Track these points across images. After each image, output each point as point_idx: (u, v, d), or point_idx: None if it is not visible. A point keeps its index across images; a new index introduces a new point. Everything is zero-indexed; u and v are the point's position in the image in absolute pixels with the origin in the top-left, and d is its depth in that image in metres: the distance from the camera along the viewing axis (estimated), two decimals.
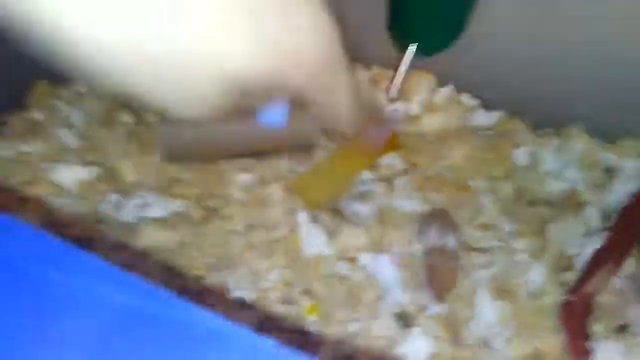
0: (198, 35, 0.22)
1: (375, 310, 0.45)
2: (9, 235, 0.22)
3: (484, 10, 0.47)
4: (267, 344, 0.21)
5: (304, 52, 0.25)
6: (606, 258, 0.44)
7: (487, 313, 0.46)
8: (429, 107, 0.57)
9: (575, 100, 0.54)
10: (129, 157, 0.51)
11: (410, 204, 0.51)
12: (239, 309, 0.45)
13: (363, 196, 0.51)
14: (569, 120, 0.55)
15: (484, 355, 0.44)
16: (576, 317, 0.44)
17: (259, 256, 0.47)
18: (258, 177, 0.52)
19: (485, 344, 0.44)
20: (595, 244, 0.47)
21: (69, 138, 0.53)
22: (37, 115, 0.54)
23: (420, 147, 0.55)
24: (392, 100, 0.56)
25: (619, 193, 0.52)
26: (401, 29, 0.49)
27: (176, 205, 0.49)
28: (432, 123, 0.57)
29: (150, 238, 0.47)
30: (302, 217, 0.49)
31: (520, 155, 0.54)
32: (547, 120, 0.56)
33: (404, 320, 0.45)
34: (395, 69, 0.50)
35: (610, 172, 0.53)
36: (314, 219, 0.49)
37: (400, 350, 0.44)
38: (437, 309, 0.46)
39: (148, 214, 0.48)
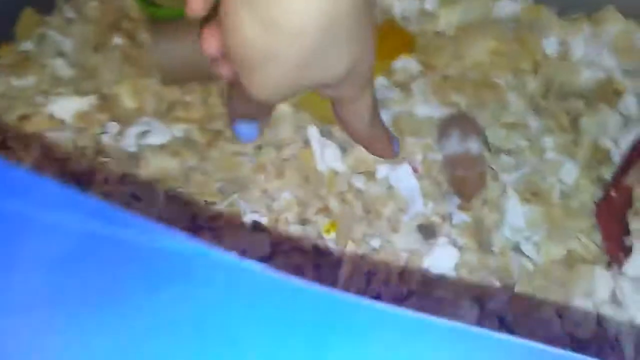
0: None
1: (397, 224, 0.43)
2: None
3: None
4: (250, 266, 0.19)
5: (363, 68, 0.29)
6: None
7: (516, 217, 0.43)
8: (446, 1, 0.52)
9: None
10: (126, 82, 0.48)
11: (428, 109, 0.47)
12: (253, 233, 0.43)
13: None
14: (600, 2, 0.50)
15: (513, 261, 0.42)
16: (614, 213, 0.41)
17: (271, 176, 0.45)
18: None
19: (514, 249, 0.42)
20: (635, 133, 0.43)
21: (61, 67, 0.50)
22: (26, 46, 0.51)
23: (438, 46, 0.51)
24: None
25: None
26: None
27: (179, 130, 0.47)
28: (449, 18, 0.52)
29: (155, 166, 0.45)
30: (313, 132, 0.46)
31: (549, 45, 0.49)
32: (577, 3, 0.50)
33: (428, 231, 0.43)
34: None
35: None
36: (326, 134, 0.46)
37: (425, 262, 0.42)
38: (462, 216, 0.43)
39: (150, 141, 0.46)
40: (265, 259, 0.42)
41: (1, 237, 0.20)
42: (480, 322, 0.40)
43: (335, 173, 0.44)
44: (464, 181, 0.43)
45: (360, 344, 0.18)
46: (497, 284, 0.41)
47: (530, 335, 0.39)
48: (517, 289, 0.41)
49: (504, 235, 0.42)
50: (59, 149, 0.46)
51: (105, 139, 0.47)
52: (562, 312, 0.40)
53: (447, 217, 0.43)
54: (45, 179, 0.21)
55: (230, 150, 0.46)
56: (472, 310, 0.40)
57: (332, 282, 0.41)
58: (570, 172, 0.44)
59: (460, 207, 0.43)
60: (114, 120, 0.47)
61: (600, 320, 0.39)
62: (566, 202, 0.43)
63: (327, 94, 0.34)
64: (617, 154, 0.44)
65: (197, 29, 0.46)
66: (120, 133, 0.47)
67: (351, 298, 0.20)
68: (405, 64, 0.50)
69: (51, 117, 0.47)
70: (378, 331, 0.19)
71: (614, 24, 0.49)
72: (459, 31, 0.51)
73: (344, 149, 0.45)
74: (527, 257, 0.42)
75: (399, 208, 0.43)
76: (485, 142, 0.45)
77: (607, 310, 0.39)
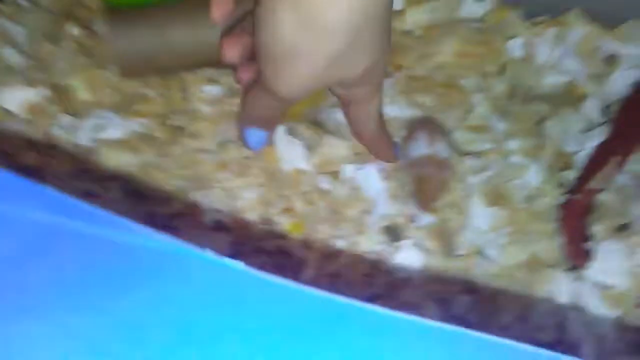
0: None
1: (362, 225, 0.42)
2: None
3: None
4: (228, 264, 0.18)
5: (379, 69, 0.31)
6: (610, 152, 0.41)
7: (481, 220, 0.43)
8: (413, 0, 0.52)
9: None
10: (81, 74, 0.46)
11: (395, 109, 0.46)
12: (214, 233, 0.41)
13: None
14: (565, 5, 0.50)
15: (478, 264, 0.41)
16: (576, 217, 0.41)
17: (233, 175, 0.43)
18: (226, 88, 0.47)
19: (478, 253, 0.42)
20: (597, 139, 0.44)
21: (12, 57, 0.48)
22: None
23: (405, 46, 0.50)
24: None
25: (620, 83, 0.48)
26: None
27: (137, 124, 0.45)
28: (417, 17, 0.51)
29: (111, 162, 0.43)
30: (278, 130, 0.44)
31: (514, 48, 0.49)
32: (542, 7, 0.51)
33: (393, 233, 0.42)
34: None
35: (611, 60, 0.49)
36: (291, 132, 0.45)
37: (389, 264, 0.41)
38: (427, 219, 0.42)
39: (106, 135, 0.44)
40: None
41: None
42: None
43: (300, 172, 0.43)
44: (428, 184, 0.43)
45: (348, 342, 0.17)
46: (461, 287, 0.41)
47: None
48: (480, 293, 0.40)
49: (468, 238, 0.42)
50: (8, 141, 0.44)
51: (58, 132, 0.44)
52: (524, 314, 0.40)
53: (412, 219, 0.43)
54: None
55: (192, 147, 0.44)
56: (435, 313, 0.40)
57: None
58: (534, 176, 0.44)
59: (421, 212, 0.43)
60: (67, 113, 0.45)
61: (561, 323, 0.39)
62: (530, 205, 0.43)
63: (341, 93, 0.35)
64: (581, 158, 0.44)
65: (156, 19, 0.45)
66: (74, 126, 0.45)
67: (331, 295, 0.19)
68: None
69: (1, 108, 0.45)
70: (354, 328, 0.18)
71: (579, 28, 0.49)
72: (426, 31, 0.51)
73: (309, 148, 0.44)
74: (491, 260, 0.41)
75: (365, 209, 0.43)
76: (451, 145, 0.45)
77: (569, 314, 0.39)
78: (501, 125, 0.46)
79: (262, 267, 0.40)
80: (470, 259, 0.41)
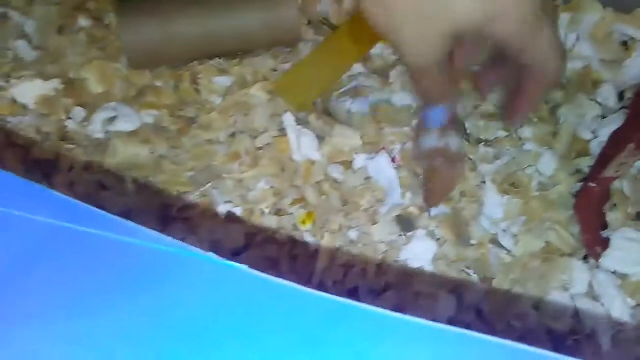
0: None
1: (375, 215, 0.42)
2: None
3: None
4: (234, 266, 0.17)
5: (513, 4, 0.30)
6: (626, 139, 0.40)
7: (495, 209, 0.43)
8: None
9: None
10: (92, 66, 0.46)
11: (407, 97, 0.46)
12: (227, 224, 0.41)
13: (355, 92, 0.46)
14: None
15: (491, 254, 0.41)
16: (592, 205, 0.41)
17: (245, 166, 0.43)
18: (237, 79, 0.47)
19: (492, 242, 0.41)
20: (613, 125, 0.43)
21: (24, 50, 0.48)
22: None
23: None
24: None
25: (636, 69, 0.47)
26: None
27: (149, 116, 0.45)
28: None
29: (123, 154, 0.43)
30: (289, 120, 0.44)
31: None
32: None
33: (406, 223, 0.42)
34: None
35: (626, 45, 0.48)
36: (302, 122, 0.45)
37: (403, 255, 0.41)
38: (441, 208, 0.42)
39: (118, 127, 0.44)
40: (240, 250, 0.41)
41: None
42: (457, 315, 0.39)
43: (312, 163, 0.43)
44: (435, 180, 0.41)
45: (352, 343, 0.17)
46: (475, 276, 0.40)
47: (507, 328, 0.39)
48: (494, 282, 0.40)
49: (482, 227, 0.42)
50: (21, 135, 0.44)
51: (71, 125, 0.45)
52: (539, 305, 0.39)
53: (425, 209, 0.42)
54: (5, 173, 0.19)
55: (203, 138, 0.44)
56: (449, 303, 0.39)
57: (309, 275, 0.40)
58: (548, 164, 0.43)
59: (428, 208, 0.42)
60: (79, 106, 0.45)
61: (577, 313, 0.39)
62: (544, 193, 0.43)
63: (499, 37, 0.33)
64: (596, 146, 0.43)
65: (167, 11, 0.44)
66: (87, 119, 0.45)
67: (334, 297, 0.19)
68: (384, 51, 0.49)
69: (13, 102, 0.45)
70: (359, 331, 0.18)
71: (594, 13, 0.48)
72: None
73: (321, 138, 0.44)
74: (505, 249, 0.41)
75: (377, 199, 0.42)
76: (465, 132, 0.44)
77: (584, 304, 0.39)
78: None
79: (275, 258, 0.40)
80: (484, 248, 0.41)
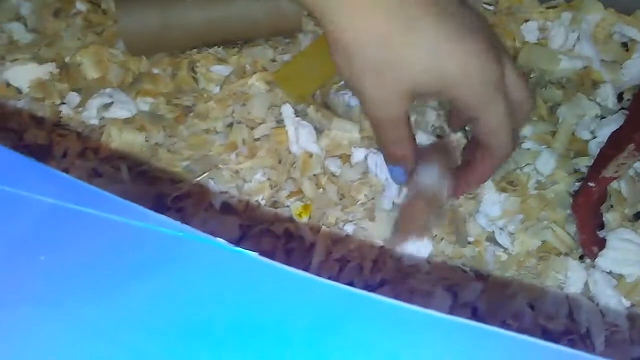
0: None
1: (372, 210, 0.42)
2: None
3: None
4: (241, 252, 0.17)
5: (470, 71, 0.31)
6: (625, 140, 0.40)
7: (492, 207, 0.42)
8: None
9: None
10: (88, 51, 0.45)
11: None
12: (222, 215, 0.41)
13: None
14: None
15: (488, 251, 0.41)
16: (589, 205, 0.41)
17: (242, 157, 0.43)
18: (236, 69, 0.46)
19: (489, 240, 0.41)
20: (612, 125, 0.43)
21: (19, 32, 0.47)
22: None
23: None
24: None
25: (636, 69, 0.47)
26: None
27: (145, 103, 0.44)
28: None
29: (118, 141, 0.42)
30: (287, 111, 0.44)
31: (529, 32, 0.48)
32: None
33: None
34: None
35: (626, 46, 0.48)
36: (301, 114, 0.44)
37: (399, 250, 0.40)
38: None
39: (113, 114, 0.43)
40: (234, 242, 0.40)
41: None
42: (453, 313, 0.39)
43: (310, 155, 0.43)
44: (406, 218, 0.40)
45: (358, 332, 0.17)
46: (471, 274, 0.40)
47: (502, 326, 0.39)
48: (490, 280, 0.40)
49: (479, 224, 0.42)
50: (14, 119, 0.43)
51: (65, 110, 0.44)
52: (534, 303, 0.39)
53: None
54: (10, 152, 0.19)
55: (200, 128, 0.44)
56: (445, 300, 0.39)
57: (304, 269, 0.39)
58: (547, 162, 0.43)
59: (396, 246, 0.40)
60: (74, 91, 0.45)
61: (572, 312, 0.39)
62: (542, 192, 0.42)
63: (455, 105, 0.34)
64: (594, 146, 0.43)
65: None
66: (81, 104, 0.44)
67: (342, 285, 0.18)
68: None
69: (7, 85, 0.44)
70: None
71: (594, 13, 0.48)
72: None
73: (319, 131, 0.43)
74: (502, 247, 0.41)
75: (374, 194, 0.42)
76: (465, 130, 0.44)
77: (580, 303, 0.39)
78: None
79: (270, 250, 0.40)
80: (480, 246, 0.41)
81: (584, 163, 0.43)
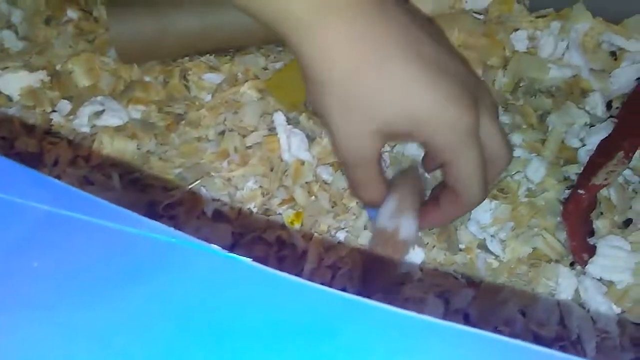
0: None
1: (363, 217, 0.42)
2: None
3: None
4: (236, 259, 0.17)
5: (441, 116, 0.30)
6: (614, 148, 0.40)
7: (483, 214, 0.43)
8: None
9: None
10: (79, 59, 0.45)
11: None
12: (215, 223, 0.41)
13: None
14: None
15: (479, 258, 0.41)
16: (579, 212, 0.41)
17: (234, 164, 0.43)
18: (227, 77, 0.46)
19: (480, 247, 0.41)
20: (601, 134, 0.43)
21: (9, 40, 0.47)
22: None
23: None
24: None
25: (624, 78, 0.47)
26: None
27: (136, 111, 0.44)
28: (420, 7, 0.51)
29: (109, 149, 0.42)
30: (280, 119, 0.44)
31: (518, 40, 0.49)
32: (547, 0, 0.50)
33: None
34: None
35: (615, 55, 0.49)
36: (293, 122, 0.44)
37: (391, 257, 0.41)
38: None
39: (105, 122, 0.43)
40: (227, 249, 0.40)
41: None
42: (445, 319, 0.39)
43: (302, 163, 0.43)
44: (371, 261, 0.38)
45: (354, 338, 0.17)
46: (463, 280, 0.40)
47: (495, 332, 0.39)
48: (482, 286, 0.40)
49: (470, 232, 0.42)
50: (5, 127, 0.43)
51: (56, 118, 0.44)
52: (526, 310, 0.39)
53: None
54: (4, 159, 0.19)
55: (192, 135, 0.44)
56: (437, 307, 0.39)
57: (296, 276, 0.39)
58: (537, 170, 0.43)
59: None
60: (65, 99, 0.45)
61: (563, 319, 0.39)
62: (532, 200, 0.43)
63: (429, 149, 0.34)
64: (584, 154, 0.44)
65: (157, 5, 0.44)
66: (73, 112, 0.44)
67: (337, 291, 0.18)
68: None
69: None
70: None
71: (583, 22, 0.49)
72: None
73: (311, 138, 0.44)
74: (493, 254, 0.41)
75: None
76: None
77: (571, 310, 0.39)
78: (504, 119, 0.46)
79: (262, 258, 0.40)
80: (472, 253, 0.41)
81: (573, 171, 0.43)
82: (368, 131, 0.31)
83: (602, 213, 0.42)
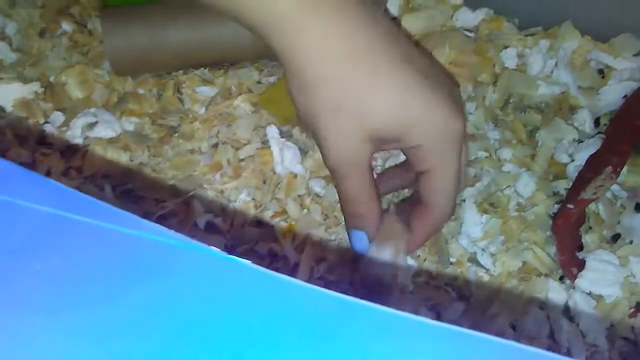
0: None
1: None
2: None
3: None
4: (236, 261, 0.17)
5: (433, 120, 0.30)
6: (602, 163, 0.41)
7: (474, 228, 0.43)
8: (409, 7, 0.52)
9: None
10: (73, 71, 0.45)
11: None
12: (207, 234, 0.41)
13: None
14: (558, 18, 0.51)
15: (470, 272, 0.41)
16: (569, 227, 0.42)
17: (227, 177, 0.43)
18: (221, 90, 0.46)
19: (471, 260, 0.42)
20: (589, 149, 0.44)
21: (3, 51, 0.47)
22: None
23: None
24: None
25: (612, 95, 0.48)
26: None
27: (130, 123, 0.44)
28: (411, 25, 0.51)
29: (102, 161, 0.42)
30: (273, 132, 0.44)
31: (508, 58, 0.50)
32: (536, 18, 0.51)
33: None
34: None
35: (602, 72, 0.50)
36: (286, 135, 0.45)
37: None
38: None
39: (98, 133, 0.43)
40: None
41: None
42: None
43: (294, 176, 0.43)
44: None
45: (354, 340, 0.17)
46: (454, 294, 0.41)
47: None
48: (473, 300, 0.40)
49: (461, 245, 0.42)
50: None
51: (49, 129, 0.44)
52: (516, 323, 0.40)
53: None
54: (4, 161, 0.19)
55: (185, 148, 0.44)
56: None
57: None
58: (527, 185, 0.44)
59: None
60: (59, 110, 0.45)
61: (553, 332, 0.39)
62: (522, 214, 0.43)
63: (409, 156, 0.34)
64: (573, 169, 0.44)
65: (151, 18, 0.44)
66: (66, 124, 0.44)
67: (338, 294, 0.19)
68: None
69: None
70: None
71: (571, 40, 0.50)
72: (420, 39, 0.51)
73: (303, 152, 0.44)
74: (484, 268, 0.41)
75: None
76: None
77: (560, 323, 0.39)
78: (494, 134, 0.46)
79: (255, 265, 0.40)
80: (463, 267, 0.41)
81: (562, 186, 0.44)
82: (360, 135, 0.30)
83: (590, 228, 0.43)
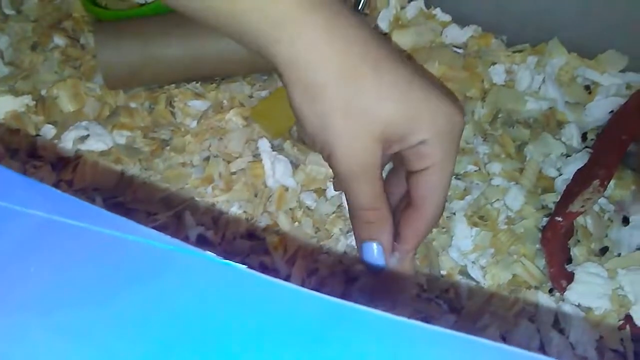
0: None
1: (346, 244, 0.42)
2: None
3: None
4: (231, 265, 0.17)
5: (439, 115, 0.30)
6: (590, 177, 0.42)
7: (464, 241, 0.43)
8: (398, 24, 0.53)
9: (552, 13, 0.50)
10: (65, 84, 0.46)
11: None
12: (199, 247, 0.41)
13: None
14: (545, 35, 0.52)
15: (461, 284, 0.42)
16: (557, 239, 0.42)
17: (218, 190, 0.43)
18: (213, 104, 0.47)
19: (461, 273, 0.42)
20: (577, 163, 0.45)
21: None
22: None
23: None
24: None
25: (598, 110, 0.49)
26: None
27: (121, 136, 0.44)
28: (401, 41, 0.52)
29: (93, 174, 0.42)
30: (264, 146, 0.44)
31: (496, 74, 0.50)
32: (524, 35, 0.52)
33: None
34: None
35: (589, 88, 0.51)
36: (277, 148, 0.45)
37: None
38: None
39: (89, 146, 0.43)
40: None
41: None
42: None
43: (286, 189, 0.43)
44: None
45: (351, 345, 0.17)
46: (445, 306, 0.41)
47: None
48: (463, 312, 0.40)
49: (451, 258, 0.42)
50: None
51: (40, 142, 0.44)
52: (506, 335, 0.40)
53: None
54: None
55: (176, 161, 0.44)
56: None
57: None
58: (515, 198, 0.44)
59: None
60: (50, 123, 0.45)
61: (543, 344, 0.40)
62: (512, 227, 0.44)
63: (407, 158, 0.32)
64: (561, 183, 0.45)
65: (143, 32, 0.44)
66: (57, 137, 0.44)
67: (334, 299, 0.19)
68: None
69: None
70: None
71: (559, 57, 0.51)
72: (410, 55, 0.52)
73: (295, 165, 0.44)
74: (474, 280, 0.42)
75: (349, 227, 0.42)
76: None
77: (550, 335, 0.40)
78: (484, 148, 0.47)
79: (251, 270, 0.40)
80: (453, 279, 0.42)
81: (551, 199, 0.45)
82: (370, 135, 0.30)
83: (579, 241, 0.43)
